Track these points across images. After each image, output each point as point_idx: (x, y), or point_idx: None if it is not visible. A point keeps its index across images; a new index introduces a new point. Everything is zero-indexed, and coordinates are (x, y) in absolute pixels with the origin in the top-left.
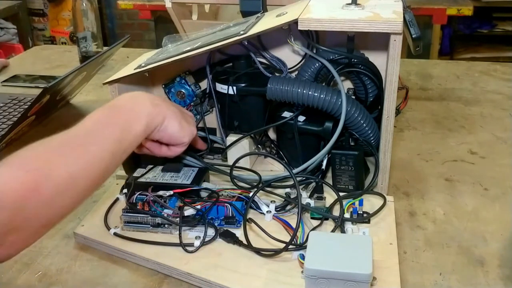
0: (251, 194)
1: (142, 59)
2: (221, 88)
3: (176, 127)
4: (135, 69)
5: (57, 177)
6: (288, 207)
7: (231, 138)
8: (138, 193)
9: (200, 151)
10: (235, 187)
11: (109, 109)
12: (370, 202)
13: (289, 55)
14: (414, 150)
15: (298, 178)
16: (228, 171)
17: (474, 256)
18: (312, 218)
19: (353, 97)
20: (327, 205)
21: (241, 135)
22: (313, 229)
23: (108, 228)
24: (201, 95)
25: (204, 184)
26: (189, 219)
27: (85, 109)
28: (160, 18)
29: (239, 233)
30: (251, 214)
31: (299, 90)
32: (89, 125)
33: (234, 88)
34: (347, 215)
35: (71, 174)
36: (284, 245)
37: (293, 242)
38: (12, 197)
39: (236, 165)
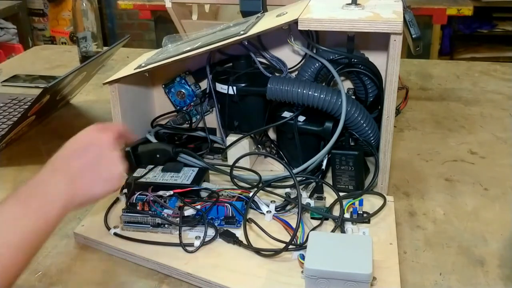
0: (251, 194)
1: (142, 59)
2: (221, 88)
3: (103, 189)
4: (135, 69)
5: None
6: (288, 207)
7: (231, 138)
8: (138, 193)
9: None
10: (235, 187)
11: (21, 197)
12: (370, 202)
13: (289, 55)
14: (414, 150)
15: (298, 178)
16: (228, 171)
17: (474, 256)
18: (312, 218)
19: (353, 97)
20: (327, 205)
21: (241, 135)
22: (313, 229)
23: (108, 228)
24: (201, 95)
25: (204, 184)
26: (189, 219)
27: (85, 109)
28: (160, 18)
29: (239, 233)
30: (251, 214)
31: (299, 90)
32: (7, 211)
33: (234, 88)
34: (347, 215)
35: None
36: (284, 245)
37: (293, 242)
38: None
39: (236, 165)
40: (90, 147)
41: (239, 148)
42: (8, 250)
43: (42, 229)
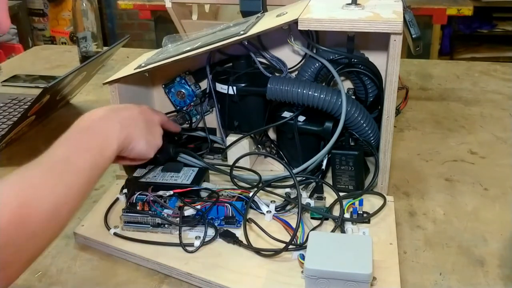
0: (251, 194)
1: (142, 59)
2: (221, 88)
3: (143, 147)
4: (135, 69)
5: (42, 210)
6: (288, 207)
7: (231, 138)
8: (138, 193)
9: (175, 134)
10: (235, 187)
11: (80, 133)
12: (370, 202)
13: (289, 55)
14: (414, 150)
15: (298, 178)
16: (228, 171)
17: (474, 256)
18: (312, 218)
19: (353, 97)
20: (327, 205)
21: (241, 135)
22: (313, 229)
23: (108, 228)
24: (201, 95)
25: (204, 184)
26: (189, 219)
27: (85, 109)
28: (160, 18)
29: (239, 233)
30: (251, 214)
31: (299, 90)
32: (63, 152)
33: (234, 88)
34: (347, 215)
35: (54, 206)
36: (284, 245)
37: (293, 242)
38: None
39: (236, 165)
40: (139, 113)
41: (239, 148)
42: (84, 182)
43: (99, 165)
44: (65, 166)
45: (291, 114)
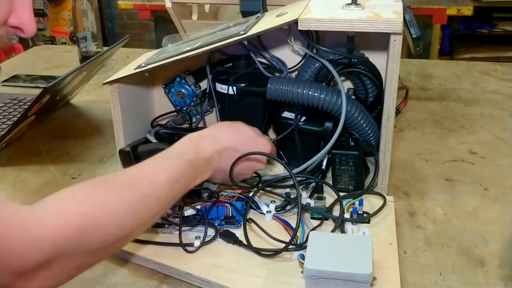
0: (251, 194)
1: (142, 59)
2: (221, 88)
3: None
4: (135, 69)
5: (106, 224)
6: (288, 207)
7: None
8: None
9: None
10: (235, 187)
11: (190, 164)
12: (370, 202)
13: (289, 55)
14: (414, 150)
15: (298, 178)
16: None
17: (474, 256)
18: (312, 218)
19: (353, 97)
20: (327, 205)
21: None
22: (313, 229)
23: None
24: (201, 95)
25: (204, 184)
26: (189, 219)
27: (85, 109)
28: (160, 18)
29: (239, 233)
30: (251, 214)
31: (299, 90)
32: (160, 177)
33: (234, 88)
34: (347, 215)
35: (121, 225)
36: (284, 245)
37: (293, 242)
38: (55, 237)
39: None
40: (250, 142)
41: None
42: (161, 206)
43: (184, 190)
44: (149, 188)
45: (291, 114)
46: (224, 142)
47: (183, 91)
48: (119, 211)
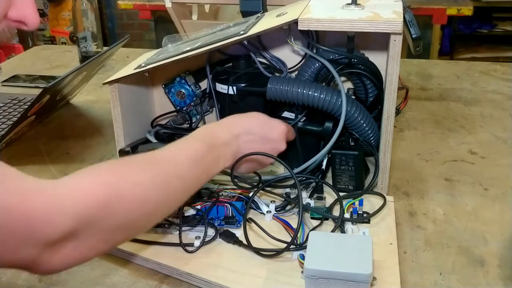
0: (251, 194)
1: (142, 59)
2: (221, 88)
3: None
4: (135, 69)
5: (130, 196)
6: (288, 207)
7: None
8: None
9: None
10: (235, 187)
11: (209, 147)
12: (370, 202)
13: (289, 55)
14: (414, 150)
15: (298, 179)
16: (229, 170)
17: (474, 256)
18: (312, 218)
19: (353, 97)
20: (327, 205)
21: None
22: (313, 229)
23: None
24: (201, 95)
25: (204, 184)
26: (189, 219)
27: (85, 109)
28: (160, 18)
29: (239, 233)
30: (251, 214)
31: (299, 90)
32: (180, 157)
33: (234, 88)
34: (347, 215)
35: (145, 197)
36: (285, 245)
37: (293, 242)
38: (80, 205)
39: None
40: (265, 140)
41: None
42: (185, 187)
43: (207, 177)
44: (174, 169)
45: (291, 114)
46: (239, 126)
47: (183, 91)
48: (143, 183)
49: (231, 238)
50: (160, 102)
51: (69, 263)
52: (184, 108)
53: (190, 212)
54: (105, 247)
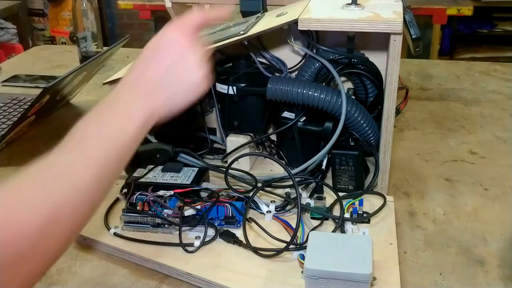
0: (251, 194)
1: None
2: (221, 88)
3: (180, 104)
4: None
5: (35, 219)
6: (288, 207)
7: (231, 138)
8: (138, 193)
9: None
10: (236, 186)
11: (101, 112)
12: (370, 202)
13: (289, 55)
14: (414, 150)
15: (298, 179)
16: (229, 171)
17: (474, 256)
18: (312, 218)
19: (353, 97)
20: (327, 205)
21: (244, 143)
22: (313, 229)
23: (108, 228)
24: None
25: (204, 184)
26: (189, 219)
27: (85, 109)
28: (160, 18)
29: (239, 233)
30: (251, 214)
31: (299, 90)
32: (69, 144)
33: (234, 88)
34: (347, 215)
35: (52, 211)
36: (285, 245)
37: (293, 242)
38: None
39: (235, 167)
40: (167, 54)
41: (239, 148)
42: (95, 177)
43: (121, 148)
44: (67, 164)
45: (291, 114)
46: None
47: None
48: (45, 199)
49: (231, 238)
50: None
51: None
52: None
53: (190, 212)
54: (28, 283)
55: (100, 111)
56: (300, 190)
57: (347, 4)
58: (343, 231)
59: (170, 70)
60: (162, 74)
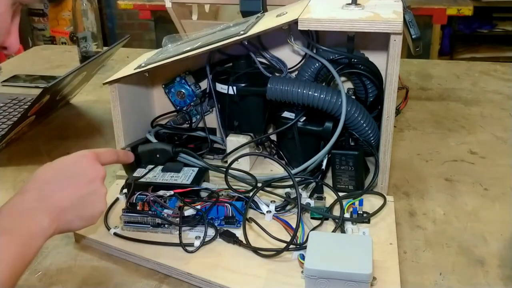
0: (251, 194)
1: (142, 59)
2: (221, 88)
3: (81, 226)
4: (135, 69)
5: None
6: (288, 207)
7: (231, 138)
8: (138, 193)
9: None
10: (235, 186)
11: (10, 221)
12: (370, 202)
13: (289, 55)
14: (414, 150)
15: (298, 179)
16: (230, 171)
17: (474, 256)
18: (312, 218)
19: (353, 97)
20: (327, 205)
21: (244, 143)
22: (313, 229)
23: (108, 228)
24: (201, 95)
25: (204, 184)
26: (189, 219)
27: (85, 109)
28: (160, 18)
29: (239, 233)
30: (251, 214)
31: (299, 90)
32: None
33: (234, 88)
34: (347, 215)
35: None
36: (285, 245)
37: (293, 242)
38: None
39: (235, 167)
40: (79, 180)
41: (239, 148)
42: None
43: (22, 260)
44: None
45: (291, 114)
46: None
47: (183, 91)
48: None
49: (231, 238)
50: (160, 102)
51: None
52: (184, 108)
53: (190, 212)
54: None
55: (9, 222)
56: (300, 190)
57: (347, 4)
58: (343, 231)
59: (79, 198)
60: (70, 199)
